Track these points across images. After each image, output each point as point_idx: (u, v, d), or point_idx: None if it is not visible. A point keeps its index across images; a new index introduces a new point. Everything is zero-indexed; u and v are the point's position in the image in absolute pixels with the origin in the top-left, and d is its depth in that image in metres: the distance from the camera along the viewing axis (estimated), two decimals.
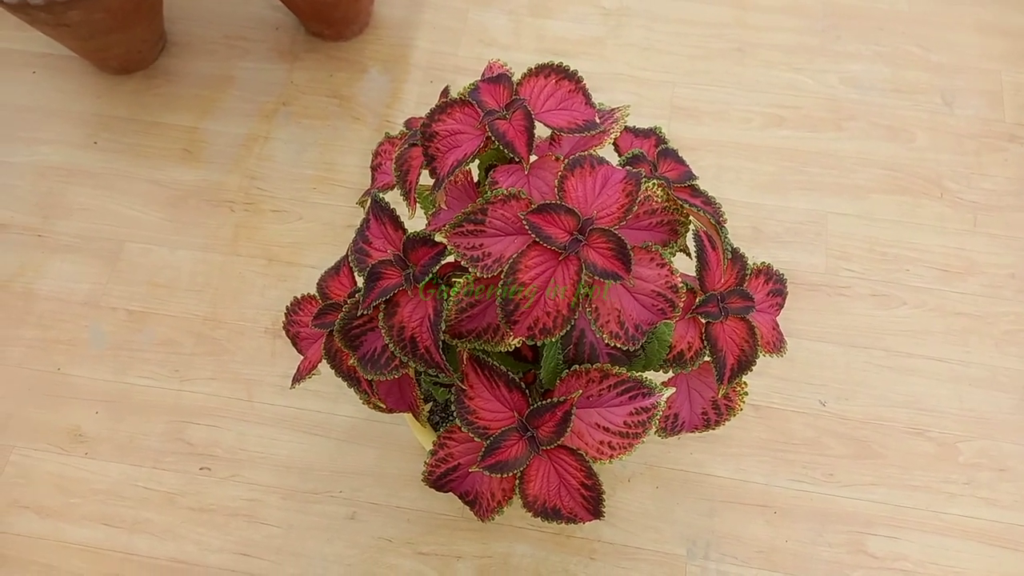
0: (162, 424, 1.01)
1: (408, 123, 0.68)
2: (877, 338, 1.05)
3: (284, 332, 0.71)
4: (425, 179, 0.63)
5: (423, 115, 1.25)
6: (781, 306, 0.71)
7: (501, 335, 0.54)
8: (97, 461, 0.99)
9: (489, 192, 0.49)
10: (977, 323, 1.05)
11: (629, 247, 0.48)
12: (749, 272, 0.66)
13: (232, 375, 1.03)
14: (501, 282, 0.48)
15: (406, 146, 0.63)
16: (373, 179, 0.71)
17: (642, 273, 0.50)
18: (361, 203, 0.70)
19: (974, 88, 1.20)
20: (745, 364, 0.64)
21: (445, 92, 0.66)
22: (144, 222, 1.13)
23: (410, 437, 1.00)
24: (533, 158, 0.53)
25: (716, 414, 0.71)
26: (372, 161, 0.71)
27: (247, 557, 0.94)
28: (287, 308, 0.71)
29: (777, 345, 0.69)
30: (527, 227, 0.48)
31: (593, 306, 0.49)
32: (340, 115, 1.21)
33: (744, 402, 0.70)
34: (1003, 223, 1.11)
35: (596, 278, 0.48)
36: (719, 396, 0.68)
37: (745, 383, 0.69)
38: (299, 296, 0.70)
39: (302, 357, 0.71)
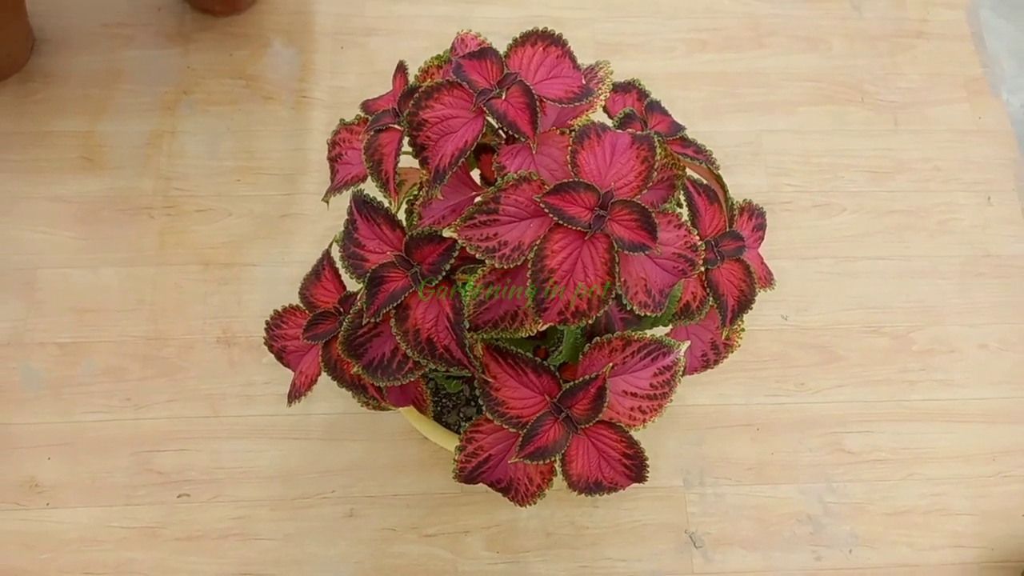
0: (125, 458, 0.94)
1: (366, 107, 0.63)
2: (824, 247, 1.09)
3: (267, 348, 0.66)
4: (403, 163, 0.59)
5: (347, 87, 1.17)
6: (762, 239, 0.72)
7: (520, 321, 0.52)
8: (61, 510, 0.91)
9: (499, 178, 0.46)
10: (911, 218, 1.11)
11: (654, 215, 0.46)
12: (736, 212, 0.66)
13: (191, 393, 0.97)
14: (530, 270, 0.46)
15: (372, 133, 0.59)
16: (334, 171, 0.66)
17: (663, 237, 0.49)
18: (326, 200, 0.66)
19: None
20: (745, 304, 0.65)
21: (401, 69, 0.62)
22: (55, 244, 1.03)
23: (392, 424, 0.97)
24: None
25: (715, 354, 0.71)
26: (329, 152, 0.66)
27: None
28: (267, 323, 0.66)
29: (767, 279, 0.70)
30: (547, 210, 0.46)
31: (622, 279, 0.48)
32: (250, 97, 1.12)
33: (742, 338, 0.71)
34: (921, 119, 1.16)
35: (624, 252, 0.46)
36: (721, 337, 0.69)
37: (742, 320, 0.70)
38: (279, 308, 0.65)
39: (291, 371, 0.67)
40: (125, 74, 1.12)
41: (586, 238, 0.46)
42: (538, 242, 0.46)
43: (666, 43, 1.18)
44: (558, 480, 0.59)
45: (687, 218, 0.62)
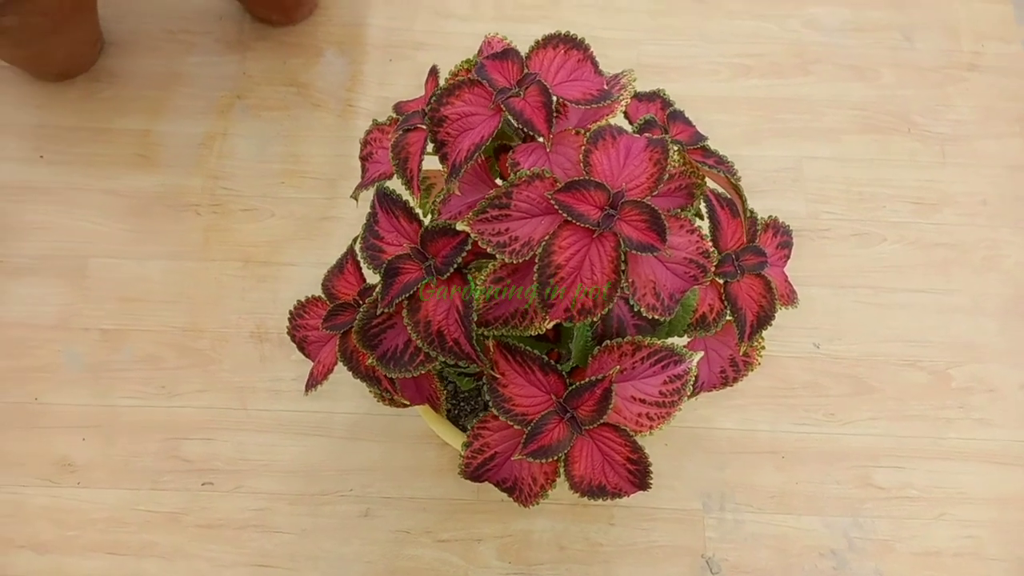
0: (155, 443, 0.97)
1: (398, 108, 0.65)
2: (862, 276, 1.07)
3: (290, 338, 0.68)
4: (428, 165, 0.60)
5: (391, 97, 1.20)
6: (788, 257, 0.71)
7: (530, 319, 0.53)
8: (91, 489, 0.94)
9: (512, 174, 0.47)
10: (955, 252, 1.08)
11: (663, 217, 0.46)
12: (759, 227, 0.66)
13: (222, 385, 1.00)
14: (537, 265, 0.47)
15: (401, 132, 0.60)
16: (364, 170, 0.68)
17: (674, 241, 0.49)
18: (355, 196, 0.68)
19: (931, 21, 1.22)
20: (764, 319, 0.64)
21: (433, 72, 0.64)
22: (106, 235, 1.07)
23: (413, 427, 0.98)
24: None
25: (734, 371, 0.71)
26: (361, 151, 0.68)
27: (263, 568, 0.91)
28: (290, 312, 0.68)
29: (790, 297, 0.69)
30: (557, 207, 0.46)
31: (630, 280, 0.48)
32: (300, 104, 1.16)
33: (762, 356, 0.70)
34: (970, 152, 1.13)
35: (631, 251, 0.46)
36: (739, 353, 0.68)
37: (763, 337, 0.69)
38: (303, 299, 0.67)
39: (311, 362, 0.69)
40: (184, 77, 1.17)
41: (594, 236, 0.47)
42: (546, 238, 0.47)
43: (710, 67, 1.19)
44: (574, 495, 0.59)
45: (708, 230, 0.62)
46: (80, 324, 1.02)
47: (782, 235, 0.68)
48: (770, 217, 0.67)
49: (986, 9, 1.22)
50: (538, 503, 0.58)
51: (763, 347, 0.70)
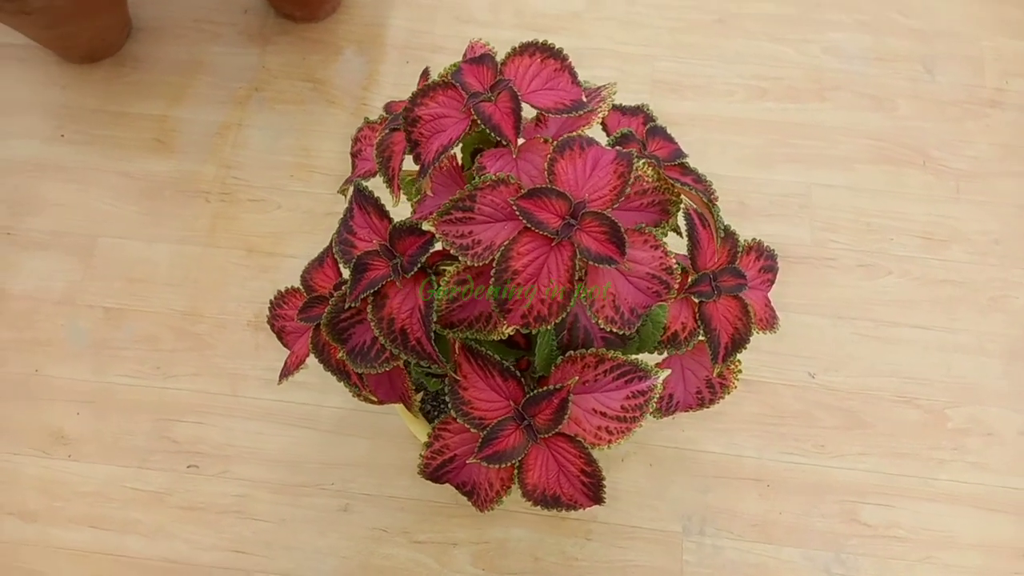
0: (147, 422, 0.98)
1: (388, 107, 0.66)
2: (864, 308, 1.05)
3: (269, 327, 0.69)
4: (408, 164, 0.61)
5: (402, 98, 1.22)
6: (772, 282, 0.70)
7: (493, 324, 0.53)
8: (81, 463, 0.96)
9: (477, 178, 0.48)
10: (962, 290, 1.05)
11: (623, 230, 0.46)
12: (740, 249, 0.65)
13: (216, 370, 1.01)
14: (493, 270, 0.47)
15: (387, 131, 0.61)
16: (354, 166, 0.69)
17: (636, 256, 0.49)
18: (343, 191, 0.68)
19: (955, 54, 1.20)
20: (739, 342, 0.64)
21: (425, 74, 0.64)
22: (118, 216, 1.10)
23: (399, 426, 0.99)
24: (520, 141, 0.51)
25: (711, 392, 0.70)
26: (352, 148, 0.69)
27: (239, 554, 0.92)
28: (271, 302, 0.69)
29: (770, 322, 0.68)
30: (518, 213, 0.47)
31: (588, 291, 0.48)
32: (315, 99, 1.18)
33: (738, 380, 0.69)
34: (986, 190, 1.11)
35: (591, 263, 0.46)
36: (714, 375, 0.68)
37: (739, 360, 0.68)
38: (283, 289, 0.68)
39: (288, 351, 0.69)
40: (206, 67, 1.20)
41: (553, 244, 0.47)
42: (505, 243, 0.47)
43: (726, 87, 1.18)
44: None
45: (687, 248, 0.62)
46: (85, 301, 1.05)
47: (766, 259, 0.67)
48: (753, 240, 0.67)
49: (1013, 46, 1.19)
50: (492, 508, 0.58)
51: (739, 370, 0.69)
